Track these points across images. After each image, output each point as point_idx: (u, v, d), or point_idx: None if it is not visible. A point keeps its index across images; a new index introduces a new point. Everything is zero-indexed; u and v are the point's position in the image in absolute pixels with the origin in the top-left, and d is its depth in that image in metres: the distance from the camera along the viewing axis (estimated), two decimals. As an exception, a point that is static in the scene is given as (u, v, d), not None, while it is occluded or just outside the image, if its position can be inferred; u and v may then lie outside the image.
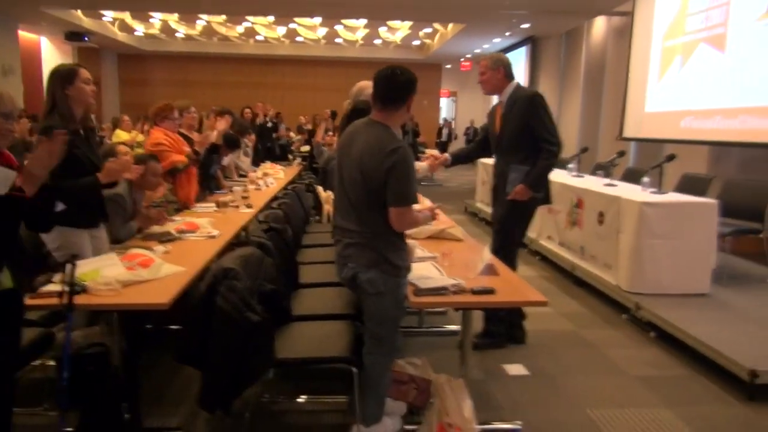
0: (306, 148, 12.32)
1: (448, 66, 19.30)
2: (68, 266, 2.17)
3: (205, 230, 3.54)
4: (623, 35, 8.36)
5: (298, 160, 9.69)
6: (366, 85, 3.47)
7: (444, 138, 18.78)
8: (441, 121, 20.51)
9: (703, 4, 5.71)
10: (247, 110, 9.58)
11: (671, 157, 4.46)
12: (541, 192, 3.45)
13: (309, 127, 14.06)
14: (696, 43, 5.80)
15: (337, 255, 2.49)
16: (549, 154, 3.32)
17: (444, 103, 22.03)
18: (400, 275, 2.34)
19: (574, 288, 5.01)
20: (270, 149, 9.81)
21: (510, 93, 3.43)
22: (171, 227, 3.50)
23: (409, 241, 2.54)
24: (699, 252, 4.19)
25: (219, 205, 4.52)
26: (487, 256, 2.85)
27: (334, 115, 11.83)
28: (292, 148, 12.47)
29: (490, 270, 2.77)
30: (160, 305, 2.24)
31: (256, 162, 8.09)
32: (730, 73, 5.35)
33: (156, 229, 3.48)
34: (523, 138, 3.35)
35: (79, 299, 2.22)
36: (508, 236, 3.53)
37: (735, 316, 3.87)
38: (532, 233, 6.14)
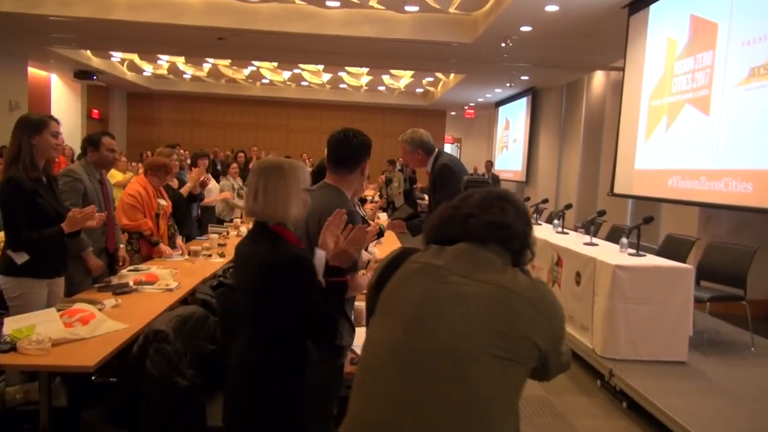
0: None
1: (453, 113, 19.57)
2: (-5, 323, 2.17)
3: (164, 282, 3.53)
4: (620, 89, 8.47)
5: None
6: None
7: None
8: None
9: (688, 66, 5.78)
10: (241, 154, 9.72)
11: (649, 220, 4.43)
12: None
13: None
14: (681, 104, 5.84)
15: None
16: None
17: (448, 149, 22.23)
18: (341, 354, 2.25)
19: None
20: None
21: (431, 163, 3.67)
22: (130, 278, 3.50)
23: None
24: (675, 318, 4.10)
25: (189, 253, 4.53)
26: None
27: (389, 181, 12.12)
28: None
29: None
30: (84, 368, 2.21)
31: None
32: (714, 136, 5.36)
33: (114, 279, 3.48)
34: None
35: (5, 358, 2.20)
36: None
37: (712, 388, 3.76)
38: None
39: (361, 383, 1.28)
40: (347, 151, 2.33)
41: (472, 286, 1.24)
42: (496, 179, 11.94)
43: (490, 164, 12.39)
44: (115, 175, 9.92)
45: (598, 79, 11.01)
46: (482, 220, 1.32)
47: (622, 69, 7.28)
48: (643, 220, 4.44)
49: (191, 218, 5.27)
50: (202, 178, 5.28)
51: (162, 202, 4.64)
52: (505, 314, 1.22)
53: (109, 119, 18.04)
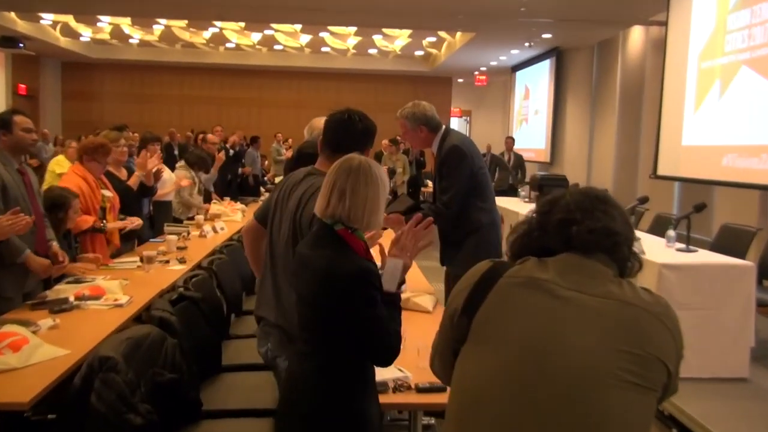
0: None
1: (461, 80, 19.56)
2: None
3: (112, 296, 3.52)
4: (663, 49, 8.46)
5: (266, 197, 9.71)
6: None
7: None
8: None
9: (744, 20, 5.79)
10: (202, 135, 9.69)
11: (701, 207, 4.45)
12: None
13: (288, 152, 14.23)
14: (737, 66, 5.85)
15: (260, 325, 2.54)
16: (438, 211, 3.57)
17: (455, 124, 22.25)
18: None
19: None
20: (230, 183, 9.86)
21: (438, 143, 3.70)
22: (70, 292, 3.49)
23: None
24: (733, 326, 4.13)
25: (143, 260, 4.51)
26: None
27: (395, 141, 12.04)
28: (266, 178, 12.59)
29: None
30: (17, 405, 2.20)
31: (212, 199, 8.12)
32: (778, 103, 5.39)
33: (50, 294, 3.47)
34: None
35: None
36: None
37: (778, 410, 3.79)
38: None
39: (466, 415, 1.34)
40: (350, 137, 2.42)
41: (591, 302, 1.30)
42: (519, 160, 11.89)
43: (511, 142, 12.24)
44: (61, 163, 9.86)
45: (636, 36, 11.02)
46: (586, 226, 1.37)
47: (665, 24, 7.29)
48: (693, 209, 4.45)
49: (142, 216, 5.25)
50: (155, 167, 5.25)
51: (107, 193, 4.63)
52: (636, 333, 1.27)
53: (39, 95, 17.94)
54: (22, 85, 16.98)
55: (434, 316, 3.36)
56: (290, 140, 15.58)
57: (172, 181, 6.41)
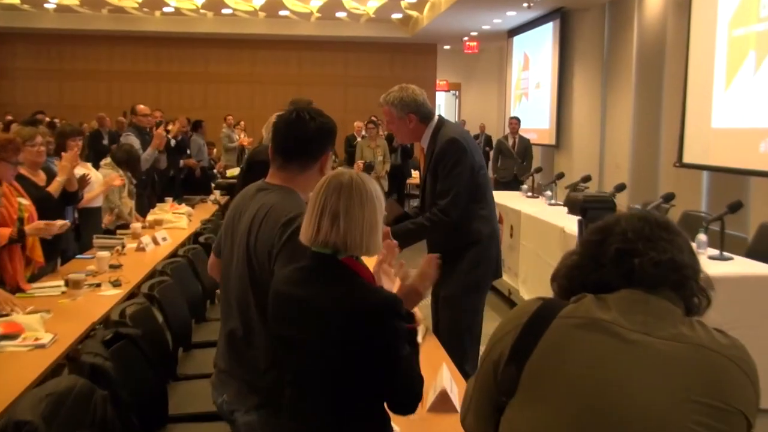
0: (235, 171, 12.27)
1: (447, 47, 19.57)
2: None
3: (32, 335, 3.45)
4: (687, 9, 8.51)
5: (216, 195, 9.63)
6: None
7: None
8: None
9: (784, -22, 5.86)
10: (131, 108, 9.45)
11: (736, 207, 4.48)
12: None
13: (242, 138, 14.11)
14: (776, 33, 5.91)
15: (215, 370, 2.55)
16: (434, 220, 3.58)
17: (442, 99, 22.25)
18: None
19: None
20: (172, 180, 9.77)
21: (430, 135, 3.68)
22: (-21, 330, 3.42)
23: None
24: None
25: (68, 284, 4.43)
26: (443, 379, 2.80)
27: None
28: (215, 171, 12.44)
29: (442, 402, 2.71)
30: None
31: (151, 203, 8.04)
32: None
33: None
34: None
35: None
36: (454, 333, 3.66)
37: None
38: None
39: None
40: (302, 140, 2.40)
41: (660, 346, 1.33)
42: (526, 146, 11.70)
43: (516, 123, 11.92)
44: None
45: (655, -6, 11.05)
46: (651, 259, 1.40)
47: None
48: (728, 209, 4.48)
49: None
50: (77, 169, 5.16)
51: (23, 201, 4.52)
52: (713, 382, 1.30)
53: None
54: None
55: (424, 349, 3.33)
56: (242, 123, 15.50)
57: (100, 182, 6.30)
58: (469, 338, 3.69)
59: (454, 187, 3.55)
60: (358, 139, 12.93)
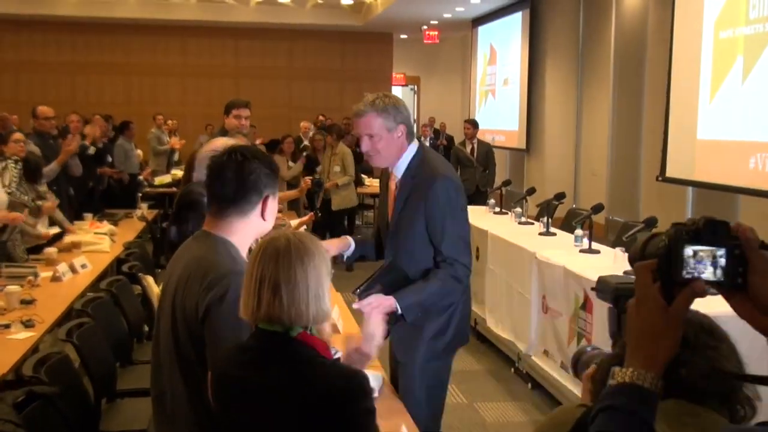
0: (165, 178, 12.07)
1: (404, 36, 19.62)
2: None
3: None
4: (669, 4, 8.63)
5: (145, 207, 9.51)
6: (220, 146, 3.35)
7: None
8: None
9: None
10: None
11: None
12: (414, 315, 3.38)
13: (173, 140, 13.91)
14: (765, 38, 6.03)
15: None
16: (447, 276, 3.33)
17: (399, 94, 22.23)
18: None
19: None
20: (91, 192, 9.60)
21: (407, 162, 3.41)
22: None
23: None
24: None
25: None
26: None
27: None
28: (141, 177, 12.22)
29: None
30: None
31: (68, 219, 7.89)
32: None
33: None
34: (424, 242, 3.39)
35: None
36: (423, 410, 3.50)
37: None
38: (520, 343, 6.20)
39: None
40: (238, 186, 2.41)
41: None
42: (486, 152, 11.56)
43: (471, 127, 11.63)
44: None
45: (635, -17, 11.17)
46: (698, 370, 1.43)
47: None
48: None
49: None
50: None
51: None
52: None
53: None
54: None
55: (380, 402, 3.34)
56: (172, 122, 15.34)
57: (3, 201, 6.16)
58: (438, 404, 3.61)
59: (462, 239, 3.39)
60: (305, 141, 12.81)
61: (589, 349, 1.77)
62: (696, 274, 1.22)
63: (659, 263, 1.26)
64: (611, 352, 1.59)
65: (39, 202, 6.89)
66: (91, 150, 9.53)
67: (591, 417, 1.28)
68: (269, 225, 2.51)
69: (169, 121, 15.31)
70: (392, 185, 3.50)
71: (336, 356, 3.62)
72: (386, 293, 3.26)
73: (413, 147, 3.39)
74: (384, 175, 3.68)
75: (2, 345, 4.16)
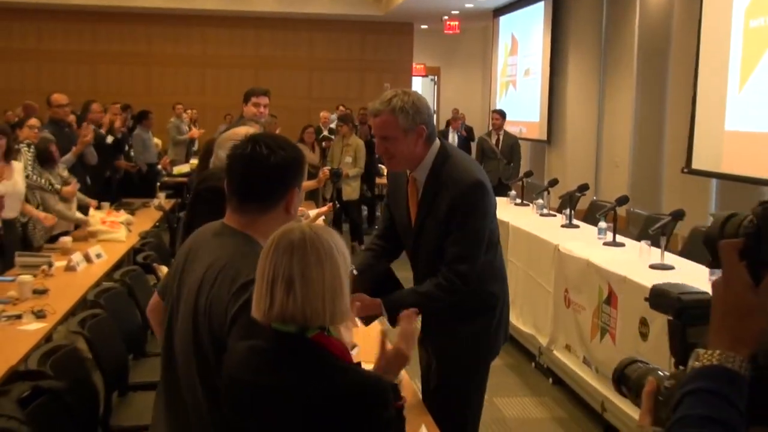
0: (184, 167, 12.01)
1: (425, 26, 19.47)
2: None
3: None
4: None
5: (162, 197, 9.42)
6: (238, 135, 3.20)
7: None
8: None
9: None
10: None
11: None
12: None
13: (193, 130, 13.88)
14: (799, 26, 5.87)
15: None
16: (451, 289, 3.11)
17: (419, 85, 22.15)
18: None
19: (605, 444, 4.91)
20: (108, 181, 9.54)
21: (430, 165, 3.17)
22: None
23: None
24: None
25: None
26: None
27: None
28: (160, 167, 12.17)
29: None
30: None
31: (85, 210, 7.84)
32: None
33: None
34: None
35: None
36: (458, 417, 3.35)
37: None
38: (542, 337, 6.08)
39: None
40: (260, 178, 2.26)
41: None
42: (512, 144, 11.25)
43: (500, 118, 11.40)
44: None
45: (660, -27, 11.04)
46: None
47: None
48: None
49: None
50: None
51: None
52: None
53: None
54: None
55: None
56: (191, 112, 15.29)
57: (19, 193, 6.10)
58: (473, 421, 3.41)
59: (476, 247, 3.11)
60: (324, 132, 12.75)
61: (639, 363, 1.58)
62: None
63: (747, 242, 1.16)
64: (664, 369, 1.44)
65: (57, 186, 6.93)
66: (109, 139, 9.47)
67: (674, 403, 1.18)
68: (293, 218, 2.34)
69: (189, 111, 15.24)
70: (411, 188, 3.26)
71: (354, 351, 3.52)
72: (375, 295, 3.13)
73: (435, 148, 3.16)
74: (394, 174, 3.45)
75: (13, 336, 4.10)
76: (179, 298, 2.29)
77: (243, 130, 3.25)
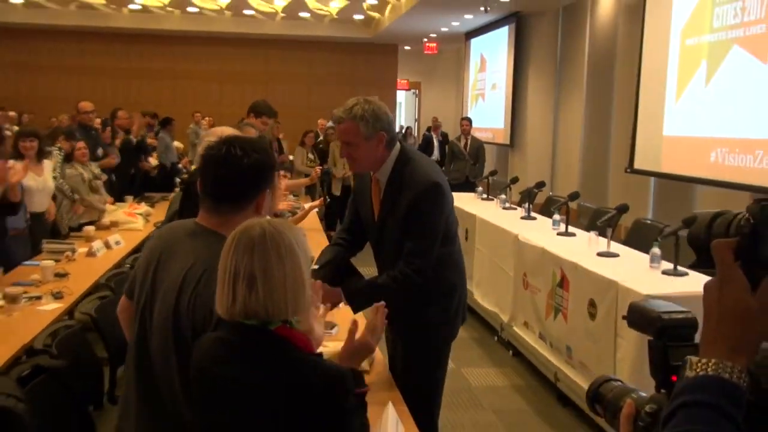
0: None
1: (407, 47, 19.19)
2: None
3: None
4: (637, 15, 8.28)
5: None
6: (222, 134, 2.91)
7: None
8: (400, 127, 20.40)
9: (737, -10, 5.57)
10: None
11: (690, 222, 4.16)
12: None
13: (205, 133, 13.56)
14: (728, 45, 5.65)
15: None
16: (406, 282, 2.83)
17: (403, 97, 21.92)
18: None
19: (558, 410, 4.66)
20: (133, 178, 9.25)
21: (391, 167, 2.89)
22: None
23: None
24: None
25: (5, 298, 3.98)
26: (388, 422, 2.43)
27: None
28: (180, 165, 11.91)
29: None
30: None
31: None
32: (775, 91, 5.18)
33: None
34: None
35: None
36: (424, 391, 3.08)
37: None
38: (503, 315, 5.84)
39: None
40: (233, 179, 1.98)
41: None
42: (477, 147, 10.92)
43: (468, 124, 10.99)
44: None
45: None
46: None
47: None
48: (683, 223, 4.17)
49: (6, 239, 4.71)
50: (19, 180, 4.68)
51: None
52: None
53: None
54: None
55: (371, 377, 2.95)
56: (208, 119, 14.98)
57: (45, 186, 5.82)
58: (437, 394, 3.15)
59: (431, 243, 2.86)
60: (321, 137, 12.46)
61: (614, 381, 1.25)
62: None
63: (742, 242, 0.91)
64: (636, 389, 1.14)
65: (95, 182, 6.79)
66: (134, 141, 9.23)
67: (665, 417, 0.89)
68: (264, 215, 2.02)
69: (206, 118, 14.93)
70: (375, 188, 2.99)
71: (334, 330, 3.25)
72: (335, 285, 2.85)
73: (395, 151, 2.89)
74: (360, 175, 3.17)
75: (31, 316, 3.82)
76: (153, 296, 1.98)
77: (219, 131, 2.95)
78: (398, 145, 2.93)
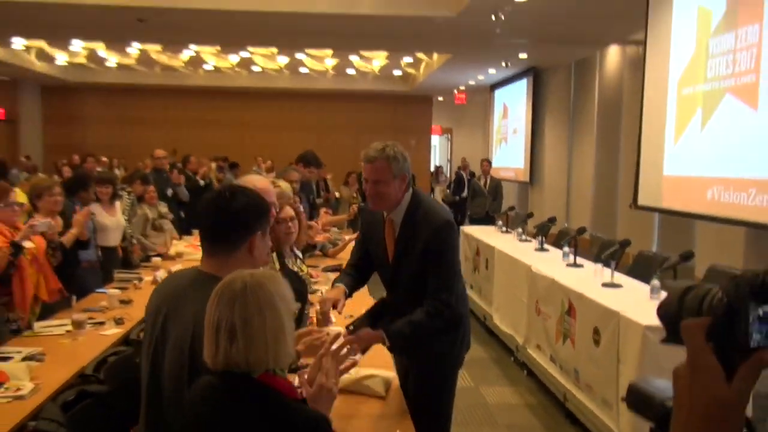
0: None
1: (441, 98, 19.11)
2: None
3: (15, 384, 2.92)
4: (641, 68, 8.04)
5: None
6: (251, 182, 2.73)
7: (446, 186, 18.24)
8: (434, 166, 20.30)
9: (728, 44, 5.30)
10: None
11: (687, 257, 3.92)
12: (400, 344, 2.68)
13: (269, 175, 13.68)
14: (720, 93, 5.38)
15: None
16: (443, 315, 2.65)
17: (437, 141, 21.82)
18: None
19: (567, 427, 4.39)
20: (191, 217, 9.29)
21: (405, 208, 2.72)
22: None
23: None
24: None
25: (74, 324, 3.91)
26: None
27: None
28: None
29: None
30: None
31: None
32: (766, 135, 4.88)
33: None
34: (424, 281, 2.72)
35: None
36: (434, 415, 2.88)
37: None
38: (519, 337, 5.59)
39: None
40: (223, 222, 1.83)
41: None
42: (496, 185, 10.83)
43: (488, 165, 11.06)
44: (18, 194, 9.28)
45: (613, 54, 10.61)
46: None
47: (643, 43, 6.82)
48: (680, 258, 3.92)
49: (79, 270, 4.67)
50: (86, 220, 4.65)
51: (27, 243, 4.00)
52: None
53: (19, 119, 17.32)
54: (1, 109, 16.36)
55: (387, 403, 2.77)
56: (269, 162, 15.05)
57: (117, 224, 5.80)
58: (447, 418, 2.92)
59: (453, 276, 2.72)
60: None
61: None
62: (762, 340, 0.66)
63: (716, 324, 0.69)
64: None
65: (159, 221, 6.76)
66: (201, 182, 9.30)
67: None
68: (259, 262, 1.87)
69: (267, 162, 15.02)
70: (388, 228, 2.80)
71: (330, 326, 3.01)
72: (374, 327, 2.64)
73: (408, 195, 2.74)
74: (368, 215, 2.96)
75: (93, 340, 3.72)
76: (164, 344, 1.79)
77: (251, 180, 2.79)
78: (411, 189, 2.78)
